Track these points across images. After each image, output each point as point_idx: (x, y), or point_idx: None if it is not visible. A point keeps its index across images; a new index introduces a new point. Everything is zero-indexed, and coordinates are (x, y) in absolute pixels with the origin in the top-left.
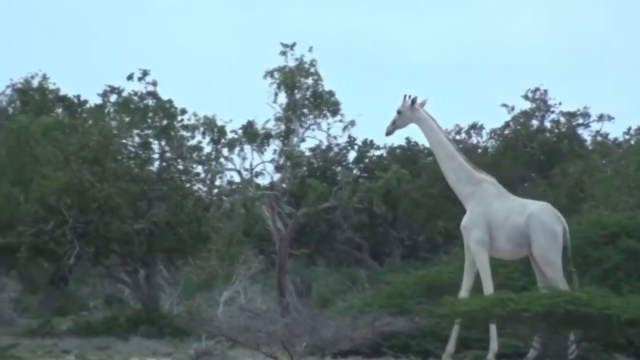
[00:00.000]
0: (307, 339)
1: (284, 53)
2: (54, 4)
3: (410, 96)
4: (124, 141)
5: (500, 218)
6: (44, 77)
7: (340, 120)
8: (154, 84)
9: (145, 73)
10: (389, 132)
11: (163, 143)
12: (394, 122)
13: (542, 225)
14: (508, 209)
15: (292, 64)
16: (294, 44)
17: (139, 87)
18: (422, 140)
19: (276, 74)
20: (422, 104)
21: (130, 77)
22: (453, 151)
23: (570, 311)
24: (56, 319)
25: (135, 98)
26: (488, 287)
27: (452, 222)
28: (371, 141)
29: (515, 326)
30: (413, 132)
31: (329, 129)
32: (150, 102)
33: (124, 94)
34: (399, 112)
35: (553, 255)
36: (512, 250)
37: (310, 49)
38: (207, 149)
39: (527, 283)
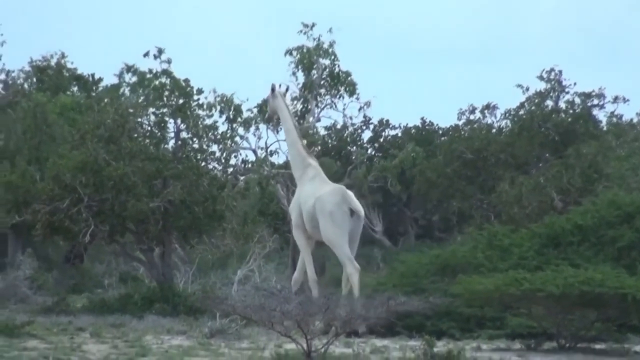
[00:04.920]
0: (321, 318)
1: (303, 32)
2: None
3: (279, 85)
4: (139, 120)
5: (304, 201)
6: (63, 56)
7: (357, 99)
8: (169, 61)
9: (160, 51)
10: (269, 120)
11: (179, 122)
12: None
13: (323, 208)
14: (310, 192)
15: (310, 44)
16: (313, 25)
17: (155, 64)
18: (437, 120)
19: (294, 53)
20: (284, 93)
21: (146, 55)
22: (295, 138)
23: (584, 291)
24: (71, 296)
25: (150, 76)
26: (310, 272)
27: (467, 202)
28: (387, 120)
29: (529, 306)
30: (428, 113)
31: (344, 109)
32: (164, 80)
33: (139, 73)
34: (266, 100)
35: (334, 236)
36: (314, 233)
37: (330, 30)
38: (223, 127)
39: (541, 263)
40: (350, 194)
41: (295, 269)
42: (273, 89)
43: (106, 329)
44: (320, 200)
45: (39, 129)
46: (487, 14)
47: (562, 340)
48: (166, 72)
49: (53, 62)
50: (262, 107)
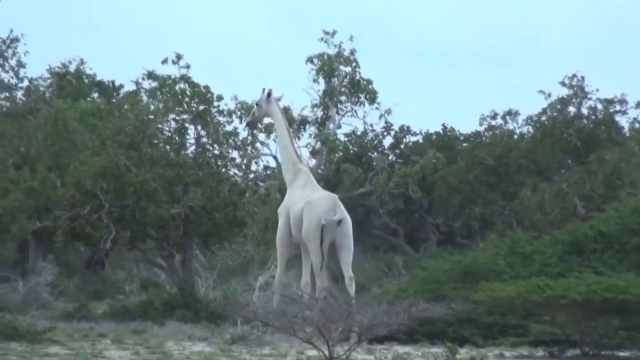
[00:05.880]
0: (342, 324)
1: (324, 40)
2: None
3: (267, 89)
4: (160, 126)
5: (293, 205)
6: (82, 62)
7: (377, 108)
8: (187, 67)
9: (179, 57)
10: (248, 123)
11: (199, 128)
12: (253, 114)
13: (311, 211)
14: (300, 197)
15: (331, 51)
16: (334, 32)
17: (174, 70)
18: (459, 126)
19: (315, 60)
20: (278, 98)
21: (164, 61)
22: (287, 143)
23: (607, 298)
24: (92, 302)
25: (169, 82)
26: (278, 275)
27: (489, 208)
28: (407, 127)
29: (552, 313)
30: (450, 118)
31: (365, 116)
32: (183, 86)
33: (159, 78)
34: (257, 104)
35: (312, 243)
36: (298, 237)
37: (351, 38)
38: (243, 134)
39: (563, 269)
40: (340, 203)
41: (315, 276)
42: (269, 94)
43: (127, 335)
44: (310, 204)
45: (60, 136)
46: (508, 19)
47: (585, 347)
48: (184, 78)
49: (72, 68)
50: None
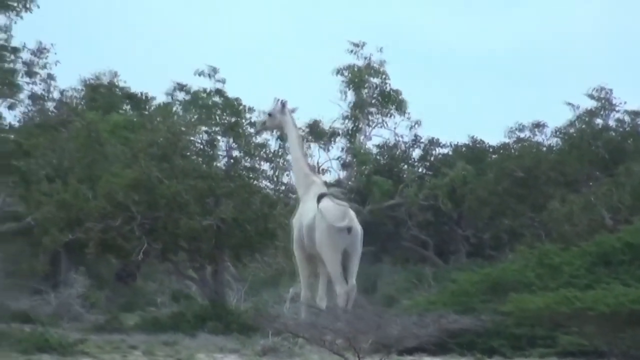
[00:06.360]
0: (372, 336)
1: (352, 52)
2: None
3: (281, 100)
4: (191, 138)
5: (305, 215)
6: (114, 74)
7: (408, 118)
8: (223, 81)
9: (214, 70)
10: (257, 132)
11: (230, 140)
12: (264, 123)
13: (321, 221)
14: (312, 207)
15: (360, 62)
16: (363, 44)
17: (207, 83)
18: (488, 138)
19: (344, 72)
20: (292, 110)
21: (199, 74)
22: (299, 155)
23: (635, 310)
24: (124, 314)
25: (204, 95)
26: (303, 288)
27: (518, 220)
28: (436, 139)
29: (580, 324)
30: (478, 130)
31: (395, 127)
32: (217, 99)
33: (192, 91)
34: (269, 114)
35: (327, 251)
36: (311, 248)
37: (380, 50)
38: (274, 146)
39: (591, 281)
40: (352, 213)
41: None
42: (284, 105)
43: (159, 347)
44: (321, 212)
45: (92, 148)
46: (535, 31)
47: (613, 358)
48: (219, 92)
49: (105, 80)
50: (313, 127)
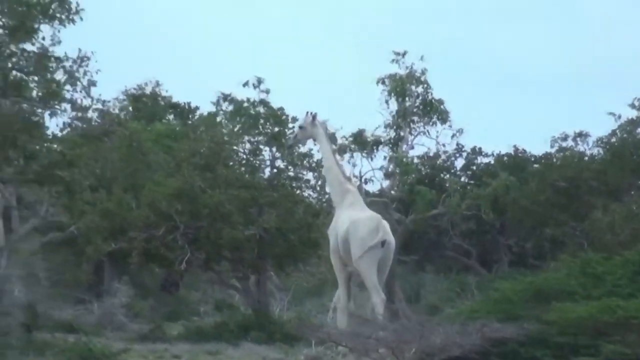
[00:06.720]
0: (415, 345)
1: (395, 61)
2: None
3: (311, 113)
4: (235, 148)
5: (340, 226)
6: (157, 84)
7: (449, 128)
8: (267, 92)
9: (259, 81)
10: (290, 146)
11: (274, 150)
12: (295, 136)
13: (355, 232)
14: (346, 217)
15: (402, 72)
16: (405, 52)
17: (252, 93)
18: (530, 148)
19: (387, 81)
20: (323, 122)
21: (245, 84)
22: (332, 164)
23: None
24: (167, 324)
25: (247, 105)
26: (342, 297)
27: (560, 229)
28: (479, 148)
29: (623, 333)
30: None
31: (437, 136)
32: (261, 109)
33: (236, 101)
34: (301, 127)
35: (362, 263)
36: (347, 258)
37: (422, 58)
38: (318, 155)
39: (634, 290)
40: (385, 224)
41: (390, 298)
42: (314, 117)
43: (202, 357)
44: (354, 224)
45: (135, 157)
46: (578, 41)
47: None
48: (264, 102)
49: (148, 90)
50: (357, 137)
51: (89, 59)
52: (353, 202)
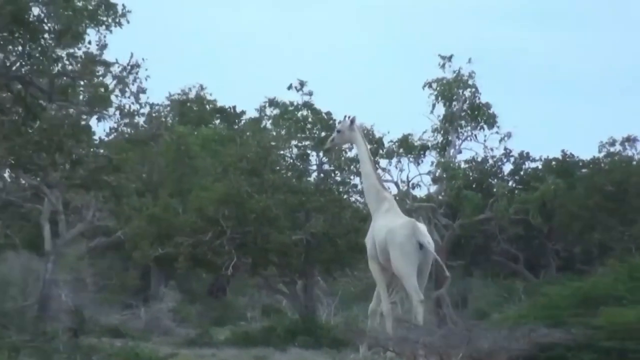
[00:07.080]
0: (463, 350)
1: (442, 65)
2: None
3: (349, 117)
4: (282, 152)
5: (377, 233)
6: (202, 88)
7: (497, 132)
8: (310, 94)
9: (302, 84)
10: (327, 150)
11: (321, 154)
12: (332, 140)
13: (393, 239)
14: (383, 225)
15: (449, 76)
16: (451, 56)
17: (296, 97)
18: (578, 152)
19: (434, 85)
20: (360, 126)
21: (289, 88)
22: (370, 170)
23: None
24: (214, 329)
25: (291, 108)
26: (383, 302)
27: (608, 234)
28: (527, 153)
29: None
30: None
31: (485, 140)
32: (306, 112)
33: (281, 105)
34: (338, 131)
35: (402, 268)
36: (386, 264)
37: (469, 61)
38: None
39: None
40: (422, 227)
41: (437, 303)
42: (353, 121)
43: None
44: (391, 232)
45: (182, 162)
46: (627, 45)
47: None
48: (307, 105)
49: (192, 95)
50: (404, 142)
51: (139, 66)
52: (388, 209)
